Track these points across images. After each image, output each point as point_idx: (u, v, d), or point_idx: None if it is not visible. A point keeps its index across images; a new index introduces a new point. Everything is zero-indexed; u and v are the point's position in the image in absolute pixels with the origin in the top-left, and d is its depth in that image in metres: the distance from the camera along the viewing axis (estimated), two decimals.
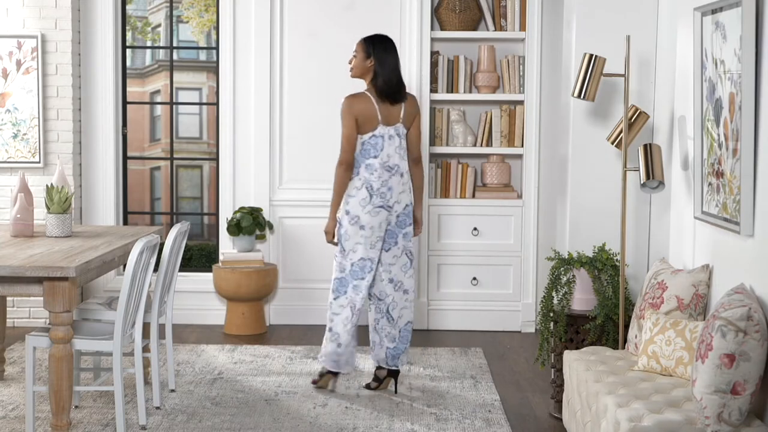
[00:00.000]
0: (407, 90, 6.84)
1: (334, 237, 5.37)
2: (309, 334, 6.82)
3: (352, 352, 5.39)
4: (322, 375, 5.48)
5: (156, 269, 5.08)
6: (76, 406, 5.07)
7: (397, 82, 5.27)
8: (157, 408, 5.08)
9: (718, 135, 4.11)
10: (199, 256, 7.87)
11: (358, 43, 5.32)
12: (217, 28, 7.16)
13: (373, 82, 5.26)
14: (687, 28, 4.59)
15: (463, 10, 6.97)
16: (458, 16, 6.97)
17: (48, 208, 5.15)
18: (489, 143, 7.05)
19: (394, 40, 7.02)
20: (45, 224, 5.27)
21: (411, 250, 5.41)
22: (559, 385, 5.03)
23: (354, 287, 5.32)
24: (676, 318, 4.22)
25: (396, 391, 5.43)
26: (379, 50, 5.24)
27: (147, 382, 5.31)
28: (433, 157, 7.09)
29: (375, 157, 5.24)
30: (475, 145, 7.04)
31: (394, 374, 5.46)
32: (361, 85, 5.43)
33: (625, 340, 4.84)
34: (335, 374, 5.45)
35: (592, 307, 4.98)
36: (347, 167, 5.26)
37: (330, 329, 5.35)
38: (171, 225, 7.51)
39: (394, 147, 5.26)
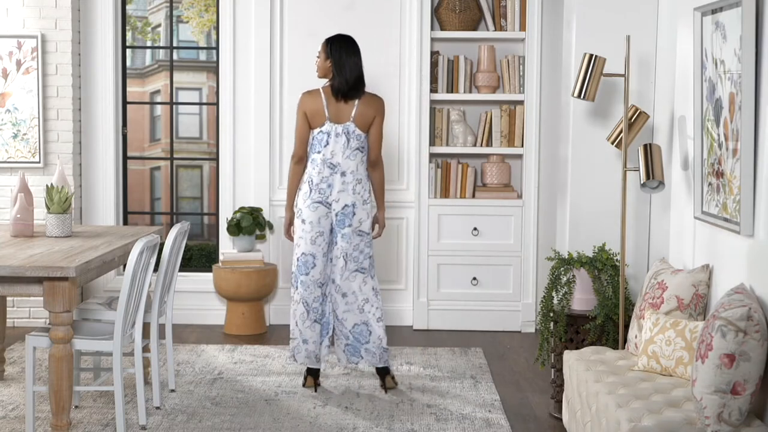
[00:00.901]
0: (411, 91, 6.93)
1: (288, 231, 5.52)
2: None
3: (318, 348, 5.46)
4: (305, 376, 5.54)
5: (156, 269, 5.09)
6: (76, 406, 5.07)
7: (355, 82, 5.30)
8: (157, 408, 5.08)
9: (718, 135, 4.11)
10: (199, 256, 7.87)
11: (321, 44, 5.41)
12: (217, 28, 7.16)
13: (331, 81, 5.34)
14: (687, 28, 4.59)
15: (463, 10, 6.97)
16: (458, 16, 6.97)
17: (48, 208, 5.15)
18: (489, 143, 7.05)
19: (393, 39, 7.03)
20: (45, 224, 5.27)
21: (347, 252, 5.35)
22: (559, 385, 5.03)
23: (301, 282, 5.39)
24: (676, 318, 4.22)
25: (386, 391, 5.43)
26: (336, 51, 5.32)
27: (147, 382, 5.31)
28: (433, 157, 7.09)
29: (318, 152, 5.33)
30: (475, 145, 7.04)
31: (382, 373, 5.48)
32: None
33: (625, 340, 4.84)
34: (314, 375, 5.49)
35: (592, 307, 4.98)
36: (297, 160, 5.42)
37: (290, 326, 5.50)
38: (171, 225, 7.51)
39: (339, 145, 5.31)
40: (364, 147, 5.35)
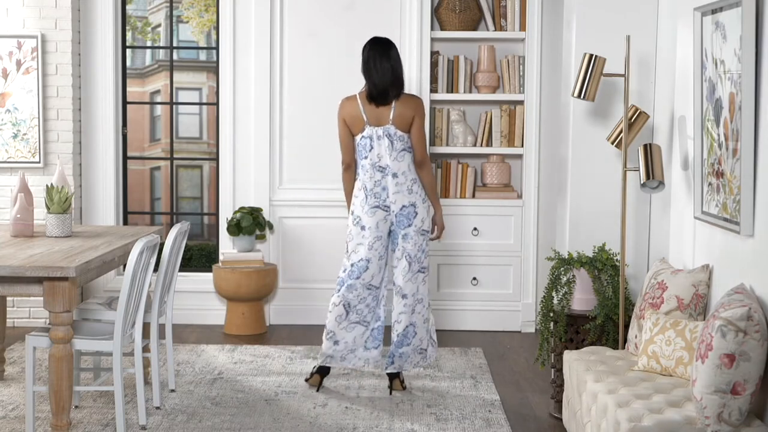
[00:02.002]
0: (410, 91, 6.92)
1: None
2: (309, 334, 6.82)
3: (352, 350, 5.43)
4: (312, 373, 5.52)
5: (156, 269, 5.09)
6: (76, 406, 5.07)
7: (391, 84, 5.28)
8: (157, 408, 5.08)
9: (718, 135, 4.11)
10: (199, 256, 7.87)
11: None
12: (217, 28, 7.16)
13: (366, 84, 5.33)
14: (687, 28, 4.59)
15: (463, 10, 6.97)
16: (458, 16, 6.97)
17: (48, 208, 5.15)
18: (489, 143, 7.05)
19: (393, 39, 7.00)
20: (45, 224, 5.27)
21: (411, 253, 5.34)
22: (559, 385, 5.03)
23: (348, 286, 5.36)
24: (676, 318, 4.22)
25: (390, 392, 5.43)
26: (367, 55, 5.32)
27: (147, 382, 5.31)
28: (433, 157, 7.09)
29: (366, 157, 5.33)
30: (475, 145, 7.04)
31: (392, 375, 5.47)
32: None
33: (625, 340, 4.84)
34: (322, 374, 5.48)
35: (592, 307, 4.98)
36: (345, 168, 5.43)
37: (325, 326, 5.44)
38: (171, 225, 7.51)
39: (384, 147, 5.30)
40: (410, 148, 5.34)
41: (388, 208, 5.33)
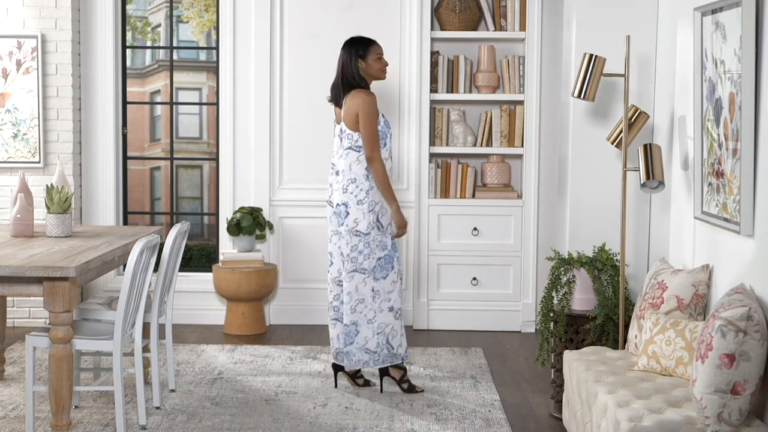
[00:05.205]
0: (410, 91, 6.93)
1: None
2: (309, 334, 6.82)
3: (336, 347, 5.43)
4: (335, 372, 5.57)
5: (156, 269, 5.09)
6: (76, 406, 5.07)
7: (339, 84, 5.39)
8: (157, 408, 5.08)
9: (718, 135, 4.11)
10: (199, 256, 7.86)
11: None
12: (217, 28, 7.16)
13: None
14: (687, 28, 4.60)
15: (463, 10, 6.97)
16: (458, 16, 6.97)
17: (48, 208, 5.15)
18: (489, 143, 7.05)
19: (393, 39, 7.00)
20: (45, 224, 5.27)
21: (344, 252, 5.33)
22: (559, 385, 5.03)
23: (329, 282, 5.50)
24: (676, 318, 4.22)
25: (381, 390, 5.43)
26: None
27: (147, 382, 5.31)
28: (433, 157, 7.09)
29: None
30: (475, 145, 7.04)
31: (381, 373, 5.46)
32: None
33: (625, 340, 4.84)
34: (336, 370, 5.52)
35: (592, 307, 4.98)
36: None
37: None
38: (171, 225, 7.51)
39: (336, 145, 5.42)
40: (359, 146, 5.32)
41: (332, 204, 5.40)
